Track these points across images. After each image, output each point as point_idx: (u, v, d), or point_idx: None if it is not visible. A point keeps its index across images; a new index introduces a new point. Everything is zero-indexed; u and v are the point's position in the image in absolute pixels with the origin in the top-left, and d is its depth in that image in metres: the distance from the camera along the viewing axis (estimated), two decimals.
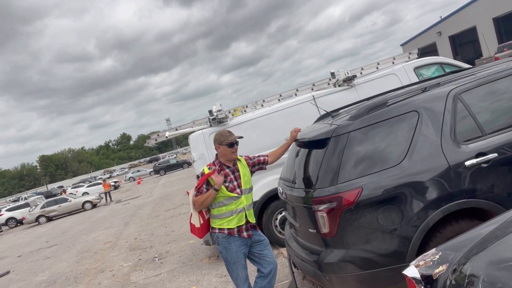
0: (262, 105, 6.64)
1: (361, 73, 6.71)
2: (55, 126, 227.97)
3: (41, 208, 25.00)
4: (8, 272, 10.62)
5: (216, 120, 5.76)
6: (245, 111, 6.65)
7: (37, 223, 24.47)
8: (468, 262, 1.71)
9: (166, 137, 6.49)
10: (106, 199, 26.75)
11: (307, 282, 4.28)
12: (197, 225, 3.48)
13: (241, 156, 3.61)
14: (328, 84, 6.53)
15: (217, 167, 3.41)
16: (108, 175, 71.61)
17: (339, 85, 6.10)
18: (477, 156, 2.88)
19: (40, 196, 41.91)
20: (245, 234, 3.40)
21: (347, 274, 2.93)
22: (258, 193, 5.39)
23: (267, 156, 3.72)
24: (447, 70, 6.18)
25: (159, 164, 47.90)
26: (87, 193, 34.58)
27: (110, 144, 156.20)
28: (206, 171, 3.39)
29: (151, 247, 8.83)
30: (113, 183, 37.45)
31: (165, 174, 42.31)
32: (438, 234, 2.86)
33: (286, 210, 3.93)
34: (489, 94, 3.15)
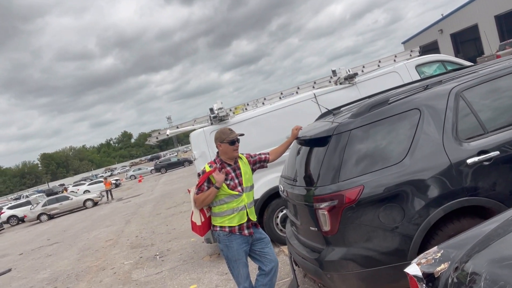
0: (263, 103, 6.64)
1: (362, 71, 6.70)
2: (56, 124, 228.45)
3: (43, 206, 25.06)
4: (9, 270, 10.65)
5: (217, 118, 5.76)
6: (246, 109, 6.65)
7: (38, 221, 24.53)
8: (470, 260, 1.70)
9: (167, 135, 6.49)
10: (107, 197, 26.82)
11: (308, 280, 4.28)
12: (198, 223, 3.48)
13: (242, 154, 3.60)
14: (330, 82, 6.52)
15: (218, 165, 3.41)
16: (109, 173, 71.67)
17: (341, 83, 6.09)
18: (479, 154, 2.87)
19: (41, 194, 42.06)
20: (246, 232, 3.40)
21: (348, 272, 2.92)
22: (259, 191, 5.38)
23: (268, 154, 3.71)
24: (449, 68, 6.16)
25: (160, 162, 47.95)
26: (89, 191, 34.64)
27: (111, 142, 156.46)
28: (207, 169, 3.39)
29: (152, 245, 8.84)
30: (114, 181, 37.49)
31: (166, 172, 42.36)
32: (439, 232, 2.85)
33: (287, 208, 3.92)
34: (491, 92, 3.14)
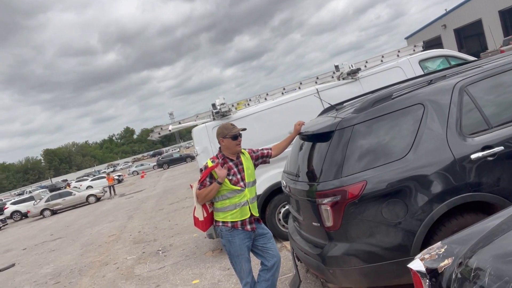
0: (265, 99, 6.62)
1: (365, 66, 6.66)
2: (59, 120, 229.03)
3: (46, 201, 25.16)
4: (13, 265, 10.71)
5: (219, 113, 5.74)
6: (248, 104, 6.62)
7: (41, 216, 24.64)
8: (474, 255, 1.69)
9: (170, 130, 6.48)
10: (110, 192, 26.88)
11: (310, 275, 4.28)
12: (201, 218, 3.48)
13: (245, 149, 3.59)
14: (332, 77, 6.49)
15: (220, 160, 3.40)
16: (111, 169, 71.89)
17: (343, 78, 6.06)
18: (483, 149, 2.85)
19: (44, 189, 42.16)
20: (248, 227, 3.40)
21: (351, 268, 2.92)
22: (261, 187, 5.38)
23: (270, 149, 3.70)
24: (453, 63, 6.12)
25: (162, 158, 47.96)
26: (91, 187, 34.76)
27: (114, 138, 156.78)
28: (210, 164, 3.38)
29: (154, 240, 8.87)
30: (116, 177, 37.56)
31: (168, 168, 42.41)
32: (442, 227, 2.84)
33: (289, 204, 3.92)
34: (495, 86, 3.11)
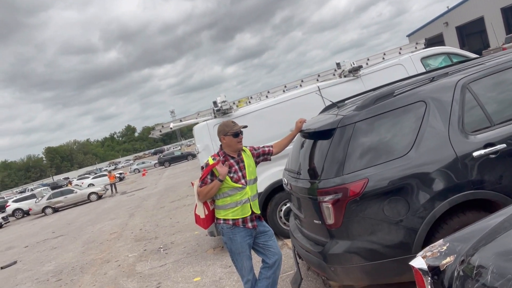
0: (266, 96, 6.61)
1: (367, 63, 6.65)
2: (61, 118, 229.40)
3: (47, 199, 25.24)
4: (15, 262, 10.75)
5: (220, 111, 5.73)
6: (249, 102, 6.62)
7: (43, 214, 24.71)
8: (476, 253, 1.68)
9: (171, 128, 6.48)
10: (111, 190, 26.93)
11: (311, 273, 4.28)
12: (202, 216, 3.47)
13: (246, 146, 3.59)
14: (334, 74, 6.47)
15: (221, 157, 3.40)
16: (113, 167, 71.99)
17: (345, 76, 6.05)
18: (485, 147, 2.84)
19: (46, 187, 42.34)
20: (249, 224, 3.39)
21: (352, 265, 2.91)
22: (262, 185, 5.38)
23: (271, 147, 3.69)
24: (455, 60, 6.10)
25: (163, 156, 48.05)
26: (93, 185, 34.84)
27: (115, 136, 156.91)
28: (211, 161, 3.38)
29: (156, 238, 8.88)
30: (118, 175, 37.64)
31: (169, 166, 42.46)
32: (444, 225, 2.83)
33: (291, 201, 3.91)
34: (498, 84, 3.10)
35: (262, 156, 3.65)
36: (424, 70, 5.78)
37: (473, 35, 33.61)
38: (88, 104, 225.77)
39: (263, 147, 3.67)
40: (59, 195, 25.42)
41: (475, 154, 2.82)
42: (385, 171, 2.83)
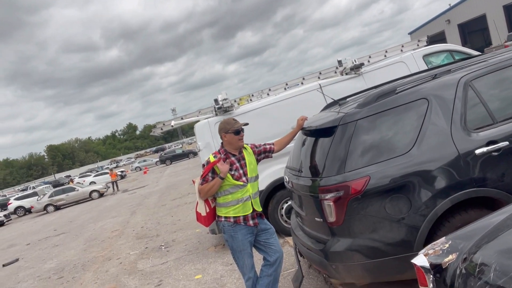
0: (268, 94, 6.60)
1: (368, 61, 6.63)
2: (62, 116, 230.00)
3: (49, 197, 25.29)
4: (17, 260, 10.78)
5: (221, 109, 5.72)
6: (251, 100, 6.61)
7: (45, 211, 24.77)
8: (479, 251, 1.68)
9: (172, 126, 6.48)
10: (113, 188, 26.98)
11: (313, 271, 4.28)
12: (203, 213, 3.47)
13: (247, 144, 3.58)
14: (335, 72, 6.46)
15: (222, 155, 3.39)
16: (114, 165, 72.12)
17: (346, 73, 6.03)
18: (488, 144, 2.82)
19: (48, 185, 42.39)
20: (251, 222, 3.39)
21: (354, 263, 2.91)
22: (264, 182, 5.37)
23: (273, 144, 3.68)
24: (457, 58, 6.07)
25: (165, 154, 48.07)
26: (94, 183, 34.85)
27: (117, 134, 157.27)
28: (212, 159, 3.37)
29: (157, 235, 8.89)
30: (119, 173, 37.70)
31: (171, 164, 42.48)
32: (446, 223, 2.82)
33: (292, 199, 3.91)
34: (500, 81, 3.08)
35: (264, 153, 3.64)
36: (426, 68, 5.76)
37: (475, 33, 33.50)
38: (90, 102, 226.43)
39: (265, 144, 3.67)
40: (61, 193, 25.47)
41: (478, 151, 2.81)
42: (387, 168, 2.82)
